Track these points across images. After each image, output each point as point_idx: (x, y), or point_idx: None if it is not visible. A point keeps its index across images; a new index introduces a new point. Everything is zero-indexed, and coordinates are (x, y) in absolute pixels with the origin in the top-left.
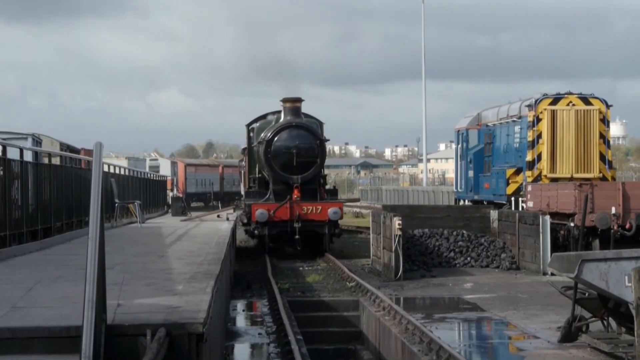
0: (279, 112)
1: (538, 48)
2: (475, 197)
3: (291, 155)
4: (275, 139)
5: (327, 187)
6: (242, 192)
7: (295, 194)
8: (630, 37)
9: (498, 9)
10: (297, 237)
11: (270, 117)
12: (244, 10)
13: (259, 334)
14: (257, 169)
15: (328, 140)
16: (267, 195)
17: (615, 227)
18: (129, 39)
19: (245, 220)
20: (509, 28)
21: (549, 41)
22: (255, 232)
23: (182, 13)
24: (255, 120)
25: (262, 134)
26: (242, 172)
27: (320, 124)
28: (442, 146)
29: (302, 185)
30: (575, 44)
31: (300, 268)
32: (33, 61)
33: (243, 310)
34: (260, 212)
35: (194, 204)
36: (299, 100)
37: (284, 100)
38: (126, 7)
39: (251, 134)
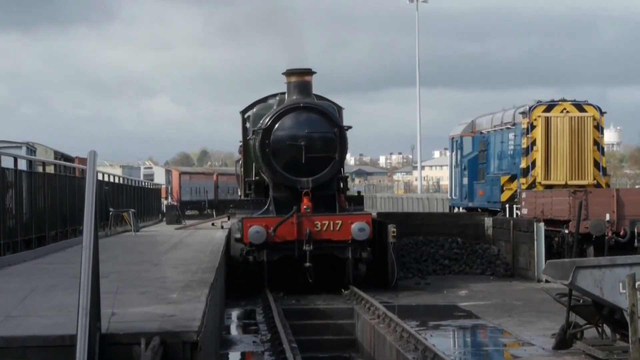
0: (284, 93)
1: (527, 55)
2: (470, 205)
3: (298, 148)
4: (276, 126)
5: (349, 193)
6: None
7: (305, 203)
8: (620, 44)
9: (486, 16)
10: (307, 264)
11: (271, 101)
12: (233, 17)
13: (254, 342)
14: (254, 170)
15: (350, 127)
16: (266, 206)
17: (610, 234)
18: (119, 47)
19: (239, 237)
20: (498, 35)
21: (538, 48)
22: (250, 257)
23: (171, 21)
24: (252, 106)
25: (260, 123)
26: (240, 175)
27: (339, 109)
28: (436, 153)
29: (314, 192)
30: (565, 51)
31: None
32: (23, 69)
33: (238, 319)
34: (255, 230)
35: (188, 212)
36: (309, 72)
37: (288, 73)
38: (115, 16)
39: (247, 125)
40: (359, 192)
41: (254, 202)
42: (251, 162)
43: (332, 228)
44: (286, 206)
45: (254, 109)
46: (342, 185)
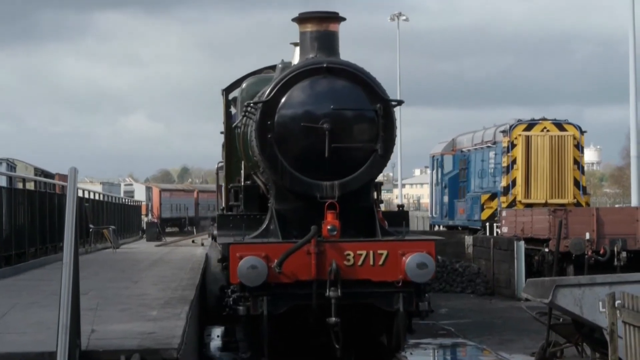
0: (289, 63)
1: (503, 73)
2: (450, 223)
3: (319, 135)
4: (284, 99)
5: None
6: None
7: (329, 221)
8: (595, 63)
9: (461, 35)
10: (332, 319)
11: (268, 74)
12: (210, 36)
13: (234, 359)
14: (243, 169)
15: (401, 102)
16: (265, 224)
17: (590, 253)
18: (94, 63)
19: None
20: (473, 54)
21: (514, 67)
22: (240, 308)
23: (146, 38)
24: (240, 81)
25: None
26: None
27: None
28: (417, 171)
29: (342, 202)
30: (541, 70)
31: None
32: None
33: (218, 336)
34: (249, 265)
35: (168, 229)
36: (336, 17)
37: (301, 20)
38: (87, 33)
39: (232, 109)
40: (400, 207)
41: (246, 217)
42: (238, 161)
43: (372, 262)
44: (297, 225)
45: (243, 85)
46: (378, 196)
